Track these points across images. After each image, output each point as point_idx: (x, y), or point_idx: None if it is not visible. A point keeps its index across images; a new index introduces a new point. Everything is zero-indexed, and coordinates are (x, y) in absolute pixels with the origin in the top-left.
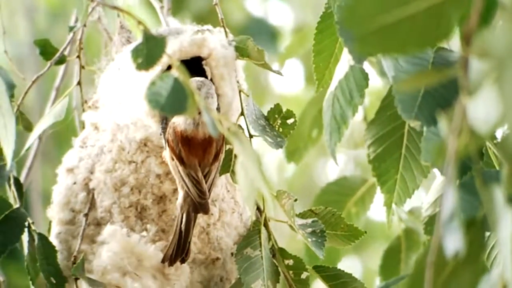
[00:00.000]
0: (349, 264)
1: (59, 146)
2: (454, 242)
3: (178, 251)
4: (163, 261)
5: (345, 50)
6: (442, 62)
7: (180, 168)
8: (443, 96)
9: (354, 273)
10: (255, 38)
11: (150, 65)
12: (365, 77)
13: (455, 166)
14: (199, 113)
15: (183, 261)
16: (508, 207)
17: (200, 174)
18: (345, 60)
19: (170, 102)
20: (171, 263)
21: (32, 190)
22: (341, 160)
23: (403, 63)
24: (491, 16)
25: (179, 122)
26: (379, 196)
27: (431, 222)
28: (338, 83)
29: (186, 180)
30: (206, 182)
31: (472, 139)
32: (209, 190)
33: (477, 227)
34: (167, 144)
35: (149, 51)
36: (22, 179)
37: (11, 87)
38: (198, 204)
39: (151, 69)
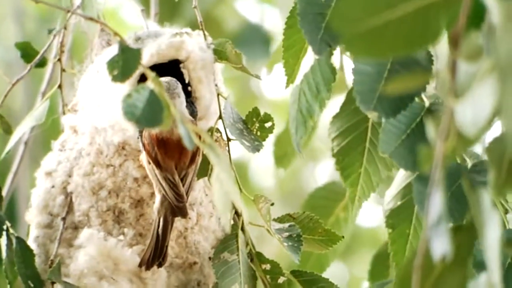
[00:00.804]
0: (335, 270)
1: (47, 151)
2: (441, 245)
3: (155, 255)
4: (140, 265)
5: None
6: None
7: (157, 171)
8: None
9: (341, 279)
10: (250, 44)
11: (126, 77)
12: (332, 71)
13: (442, 170)
14: None
15: (160, 265)
16: (494, 211)
17: (177, 177)
18: (311, 54)
19: (146, 114)
20: (148, 267)
21: (19, 195)
22: (331, 165)
23: None
24: (479, 19)
25: None
26: (367, 202)
27: (392, 215)
28: (304, 76)
29: (163, 184)
30: (183, 185)
31: (460, 142)
32: (187, 193)
33: (465, 231)
34: (143, 147)
35: (124, 62)
36: (7, 184)
37: None
38: (176, 207)
39: (127, 80)
